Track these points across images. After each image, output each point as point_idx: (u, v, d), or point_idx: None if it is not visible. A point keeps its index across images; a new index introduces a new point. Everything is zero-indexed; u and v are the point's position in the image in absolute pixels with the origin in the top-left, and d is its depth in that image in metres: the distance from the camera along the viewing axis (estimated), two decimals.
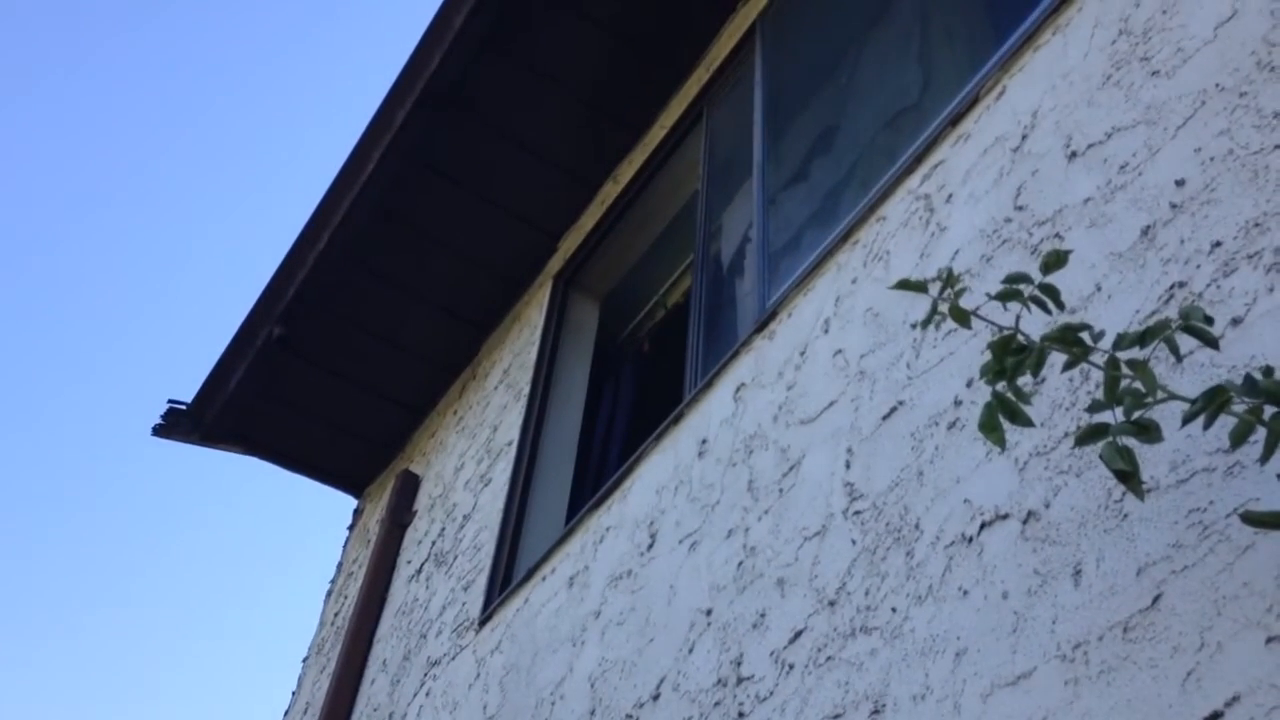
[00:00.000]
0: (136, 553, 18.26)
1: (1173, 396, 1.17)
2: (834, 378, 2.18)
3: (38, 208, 16.37)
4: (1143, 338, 1.18)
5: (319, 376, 4.67)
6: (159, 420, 4.77)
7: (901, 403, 1.95)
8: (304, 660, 4.73)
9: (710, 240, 3.34)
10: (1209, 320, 1.14)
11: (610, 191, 4.07)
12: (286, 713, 4.57)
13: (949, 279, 1.39)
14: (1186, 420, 1.12)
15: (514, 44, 3.83)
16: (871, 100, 2.92)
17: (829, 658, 1.80)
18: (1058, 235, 1.78)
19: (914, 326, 2.02)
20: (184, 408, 4.73)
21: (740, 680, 1.98)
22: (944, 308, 1.39)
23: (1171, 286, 1.53)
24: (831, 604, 1.86)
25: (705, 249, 3.31)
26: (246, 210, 18.53)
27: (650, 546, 2.53)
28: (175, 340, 18.31)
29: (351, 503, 5.24)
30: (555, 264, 4.24)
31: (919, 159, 2.27)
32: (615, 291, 4.23)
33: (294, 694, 4.60)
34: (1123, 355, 1.22)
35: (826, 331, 2.29)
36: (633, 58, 3.86)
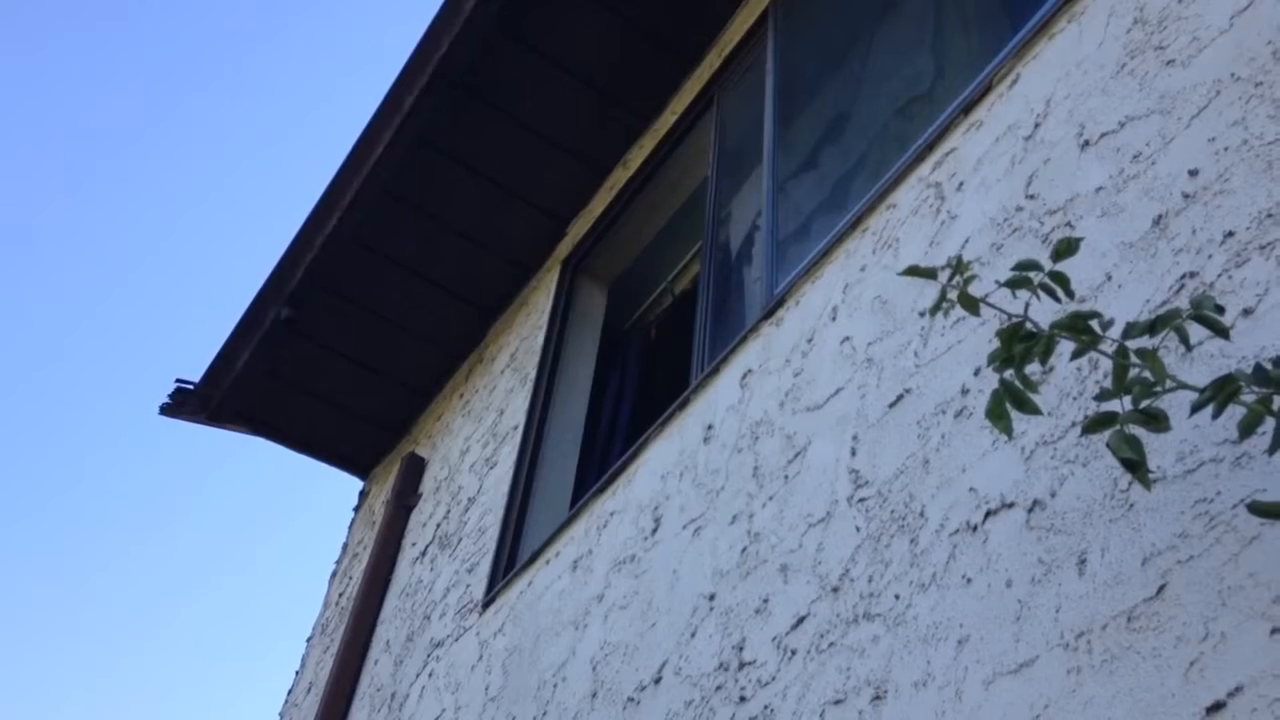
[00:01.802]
0: (141, 531, 18.33)
1: (1182, 386, 1.16)
2: (841, 365, 2.18)
3: (45, 186, 16.40)
4: (1153, 326, 1.17)
5: (326, 358, 4.68)
6: (166, 399, 4.79)
7: (908, 390, 1.95)
8: (308, 640, 4.75)
9: (719, 227, 3.33)
10: (1220, 309, 1.14)
11: (619, 177, 4.06)
12: (290, 692, 4.59)
13: (959, 266, 1.39)
14: (1195, 409, 1.11)
15: (524, 28, 3.82)
16: (883, 88, 2.91)
17: (831, 644, 1.80)
18: (1069, 224, 1.78)
19: (922, 315, 2.01)
20: (191, 387, 4.74)
21: (742, 665, 1.99)
22: (953, 294, 1.38)
23: (1183, 276, 1.52)
24: (835, 590, 1.86)
25: (714, 236, 3.31)
26: (256, 191, 18.54)
27: (654, 531, 2.54)
28: (183, 320, 18.35)
29: (357, 484, 5.25)
30: (564, 249, 4.24)
31: (930, 146, 2.26)
32: (623, 277, 4.23)
33: (298, 673, 4.62)
34: (1132, 344, 1.21)
35: (834, 319, 2.28)
36: (644, 43, 3.85)
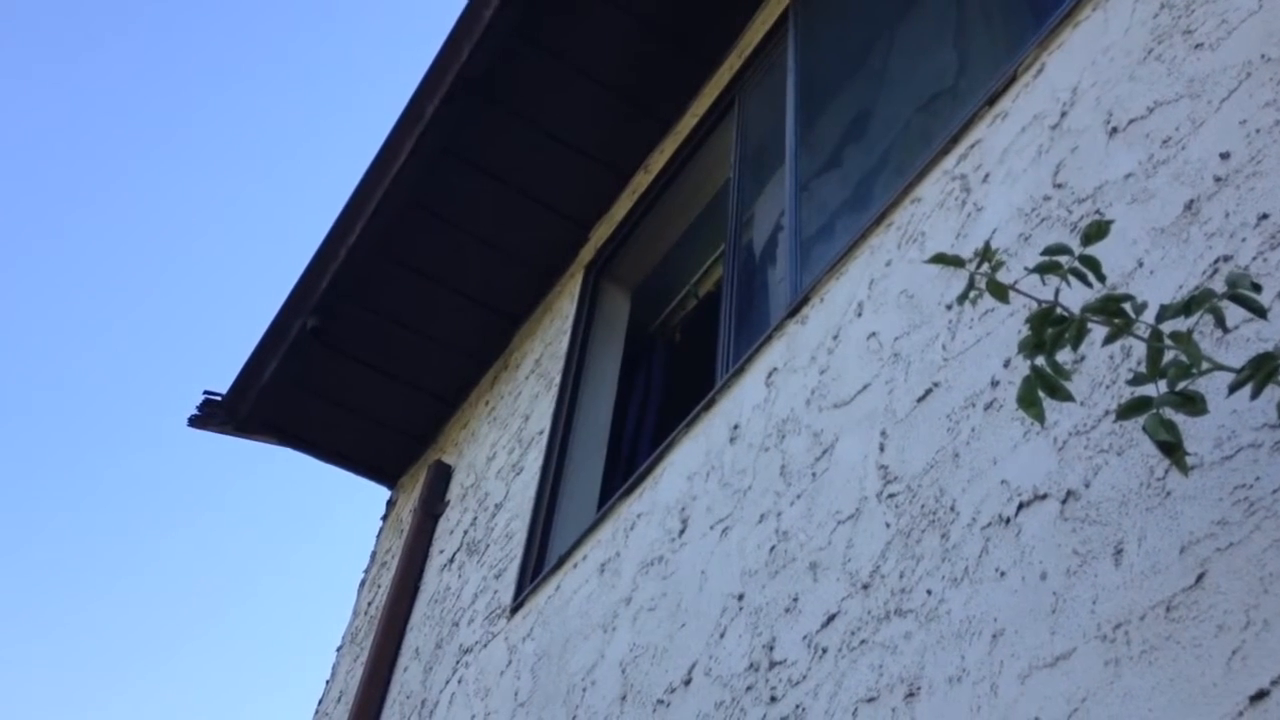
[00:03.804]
0: (169, 542, 18.47)
1: (1218, 367, 1.14)
2: (867, 361, 2.16)
3: (71, 197, 16.59)
4: (1188, 307, 1.15)
5: (352, 368, 4.69)
6: (195, 411, 4.81)
7: (937, 384, 1.92)
8: (338, 649, 4.76)
9: (742, 229, 3.32)
10: (1257, 287, 1.11)
11: (641, 181, 4.05)
12: (320, 701, 4.60)
13: (986, 253, 1.37)
14: (1234, 389, 1.09)
15: (544, 34, 3.82)
16: (906, 84, 2.89)
17: (863, 641, 1.78)
18: (1098, 212, 1.75)
19: (949, 307, 1.99)
20: (219, 399, 4.77)
21: (772, 665, 1.97)
22: (981, 283, 1.36)
23: (1216, 261, 1.49)
24: (865, 587, 1.84)
25: (737, 237, 3.29)
26: (280, 202, 18.68)
27: (681, 532, 2.52)
28: (211, 332, 18.51)
29: (385, 493, 5.26)
30: (587, 254, 4.23)
31: (955, 139, 2.24)
32: (647, 281, 4.22)
33: (328, 682, 4.63)
34: (1166, 327, 1.18)
35: (860, 315, 2.26)
36: (664, 47, 3.84)
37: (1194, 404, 1.14)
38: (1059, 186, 1.88)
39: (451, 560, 3.94)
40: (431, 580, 4.03)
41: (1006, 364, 1.78)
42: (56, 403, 17.00)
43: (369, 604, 4.62)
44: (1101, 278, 1.30)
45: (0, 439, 16.08)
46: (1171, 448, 1.12)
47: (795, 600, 2.00)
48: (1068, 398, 1.27)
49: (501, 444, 4.04)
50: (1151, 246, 1.61)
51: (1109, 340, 1.25)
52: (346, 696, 4.14)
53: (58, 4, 14.97)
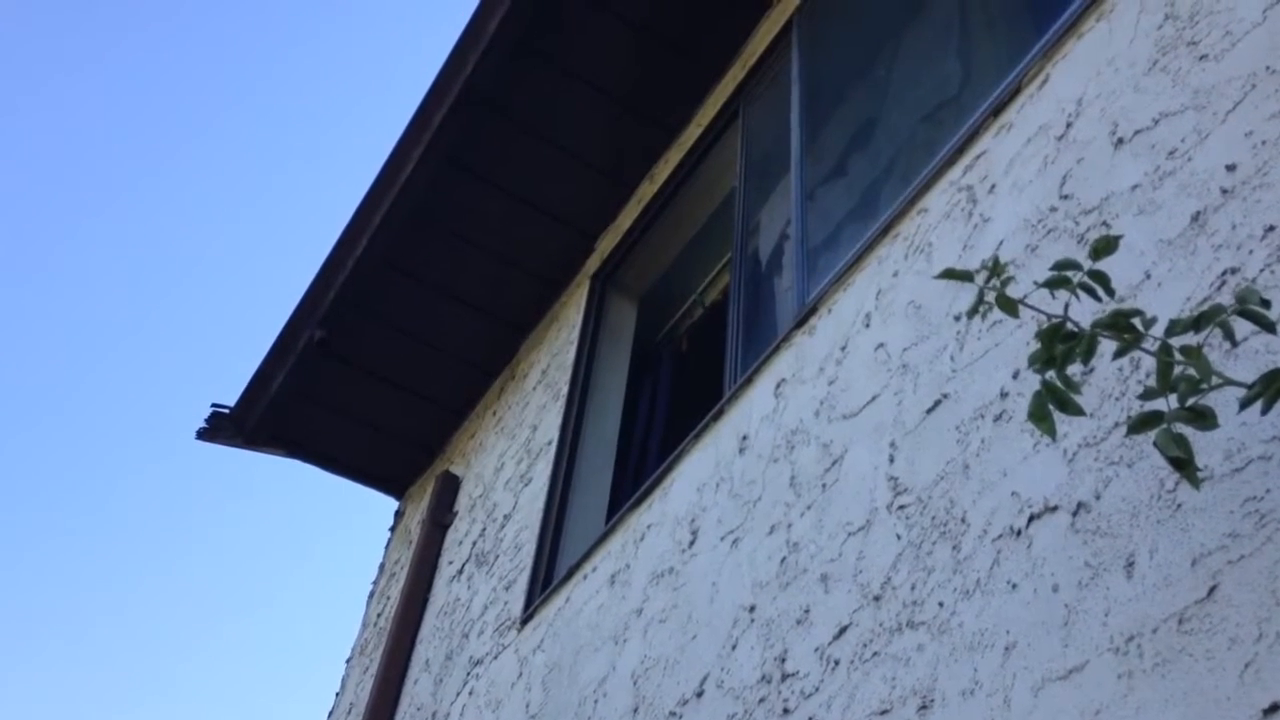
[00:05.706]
0: (177, 556, 18.49)
1: (1228, 382, 1.15)
2: (876, 372, 2.16)
3: (77, 212, 16.64)
4: (1197, 322, 1.16)
5: (359, 379, 4.70)
6: (203, 424, 4.83)
7: (946, 396, 1.93)
8: (348, 661, 4.76)
9: (748, 238, 3.33)
10: (1266, 303, 1.12)
11: (647, 191, 4.06)
12: (331, 713, 4.60)
13: (995, 267, 1.37)
14: (1244, 404, 1.09)
15: (548, 46, 3.84)
16: (911, 94, 2.89)
17: (875, 653, 1.78)
18: (1105, 224, 1.76)
19: (957, 319, 2.00)
20: (227, 411, 4.78)
21: (785, 677, 1.97)
22: (990, 297, 1.37)
23: (1224, 273, 1.50)
24: (877, 599, 1.85)
25: (743, 247, 3.30)
26: (286, 214, 18.73)
27: (692, 544, 2.53)
28: (218, 345, 18.55)
29: (393, 504, 5.27)
30: (593, 264, 4.24)
31: (960, 150, 2.25)
32: (653, 291, 4.23)
33: (338, 695, 4.64)
34: (1176, 341, 1.19)
35: (868, 325, 2.27)
36: (668, 57, 3.86)
37: (1204, 419, 1.14)
38: (1065, 198, 1.88)
39: (461, 571, 3.94)
40: (441, 592, 4.04)
41: (1015, 375, 1.79)
42: (62, 417, 17.04)
43: (378, 615, 4.63)
44: (1110, 292, 1.30)
45: (8, 452, 16.12)
46: (1183, 463, 1.13)
47: (807, 612, 2.00)
48: (1078, 412, 1.27)
49: (510, 454, 4.05)
50: (1159, 259, 1.62)
51: (1118, 355, 1.26)
52: (357, 708, 4.15)
53: (60, 21, 15.05)
